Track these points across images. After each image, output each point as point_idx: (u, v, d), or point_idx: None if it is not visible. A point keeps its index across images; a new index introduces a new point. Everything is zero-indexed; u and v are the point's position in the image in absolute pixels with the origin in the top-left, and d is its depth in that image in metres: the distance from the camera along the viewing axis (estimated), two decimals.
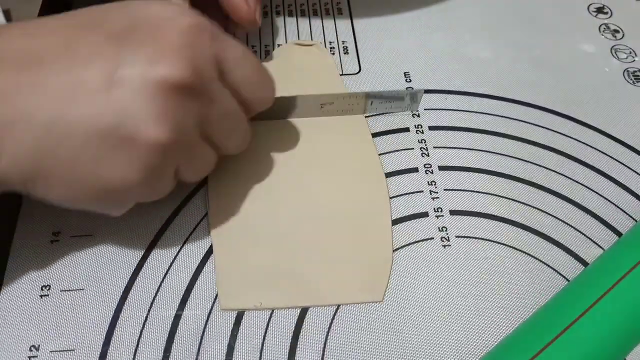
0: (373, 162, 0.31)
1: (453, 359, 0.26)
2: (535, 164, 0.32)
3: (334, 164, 0.31)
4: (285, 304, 0.27)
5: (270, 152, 0.31)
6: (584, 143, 0.33)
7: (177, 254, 0.28)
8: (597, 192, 0.31)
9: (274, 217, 0.29)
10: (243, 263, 0.28)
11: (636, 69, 0.36)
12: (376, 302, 0.27)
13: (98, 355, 0.25)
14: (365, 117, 0.33)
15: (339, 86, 0.34)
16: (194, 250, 0.28)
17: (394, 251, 0.28)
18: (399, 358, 0.25)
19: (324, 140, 0.32)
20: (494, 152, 0.32)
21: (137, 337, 0.26)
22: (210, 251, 0.28)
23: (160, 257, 0.28)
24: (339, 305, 0.27)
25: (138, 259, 0.28)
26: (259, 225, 0.29)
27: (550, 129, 0.33)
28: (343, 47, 0.37)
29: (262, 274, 0.27)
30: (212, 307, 0.27)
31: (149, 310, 0.27)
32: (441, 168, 0.31)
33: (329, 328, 0.26)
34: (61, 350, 0.25)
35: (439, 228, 0.29)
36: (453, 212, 0.30)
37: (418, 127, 0.33)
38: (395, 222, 0.29)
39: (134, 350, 0.25)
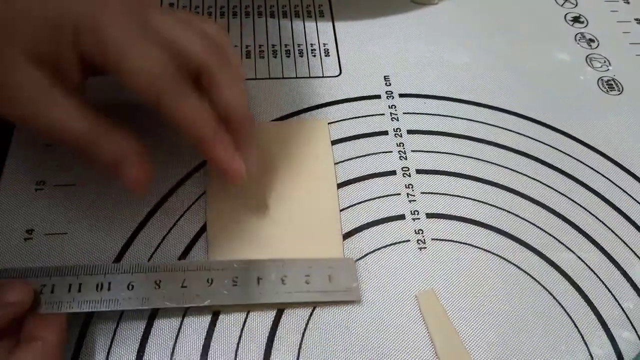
0: (328, 171, 0.31)
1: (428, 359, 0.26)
2: (510, 169, 0.32)
3: (292, 170, 0.31)
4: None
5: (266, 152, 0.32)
6: (557, 149, 0.33)
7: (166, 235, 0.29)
8: (569, 198, 0.31)
9: (259, 219, 0.29)
10: (232, 231, 0.29)
11: (610, 78, 0.37)
12: (355, 302, 0.27)
13: None
14: (338, 121, 0.33)
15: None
16: (188, 227, 0.29)
17: (370, 253, 0.29)
18: (374, 359, 0.26)
19: (286, 146, 0.32)
20: (470, 157, 0.33)
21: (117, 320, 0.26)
22: (198, 234, 0.29)
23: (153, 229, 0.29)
24: (314, 307, 0.27)
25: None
26: (252, 222, 0.29)
27: (525, 135, 0.34)
28: (324, 49, 0.37)
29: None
30: (187, 307, 0.26)
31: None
32: (418, 171, 0.32)
33: (305, 329, 0.26)
34: None
35: (415, 230, 0.30)
36: (429, 215, 0.30)
37: (397, 131, 0.33)
38: (372, 224, 0.30)
39: (108, 344, 0.25)
